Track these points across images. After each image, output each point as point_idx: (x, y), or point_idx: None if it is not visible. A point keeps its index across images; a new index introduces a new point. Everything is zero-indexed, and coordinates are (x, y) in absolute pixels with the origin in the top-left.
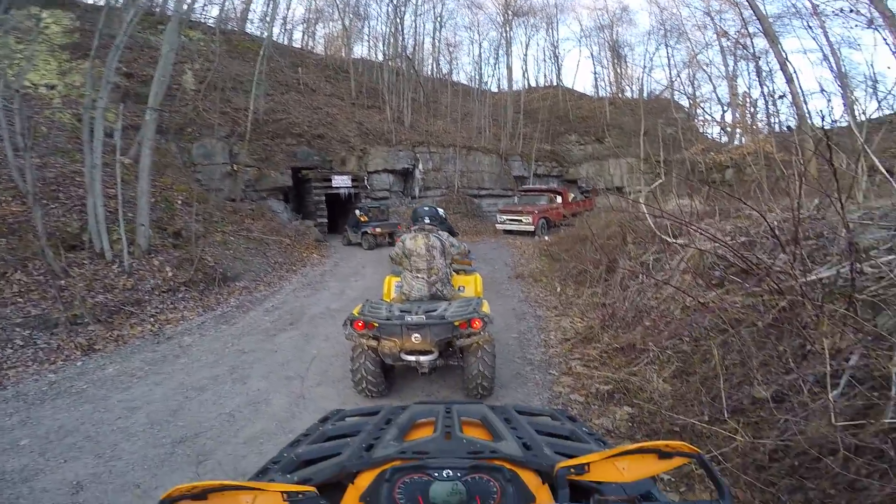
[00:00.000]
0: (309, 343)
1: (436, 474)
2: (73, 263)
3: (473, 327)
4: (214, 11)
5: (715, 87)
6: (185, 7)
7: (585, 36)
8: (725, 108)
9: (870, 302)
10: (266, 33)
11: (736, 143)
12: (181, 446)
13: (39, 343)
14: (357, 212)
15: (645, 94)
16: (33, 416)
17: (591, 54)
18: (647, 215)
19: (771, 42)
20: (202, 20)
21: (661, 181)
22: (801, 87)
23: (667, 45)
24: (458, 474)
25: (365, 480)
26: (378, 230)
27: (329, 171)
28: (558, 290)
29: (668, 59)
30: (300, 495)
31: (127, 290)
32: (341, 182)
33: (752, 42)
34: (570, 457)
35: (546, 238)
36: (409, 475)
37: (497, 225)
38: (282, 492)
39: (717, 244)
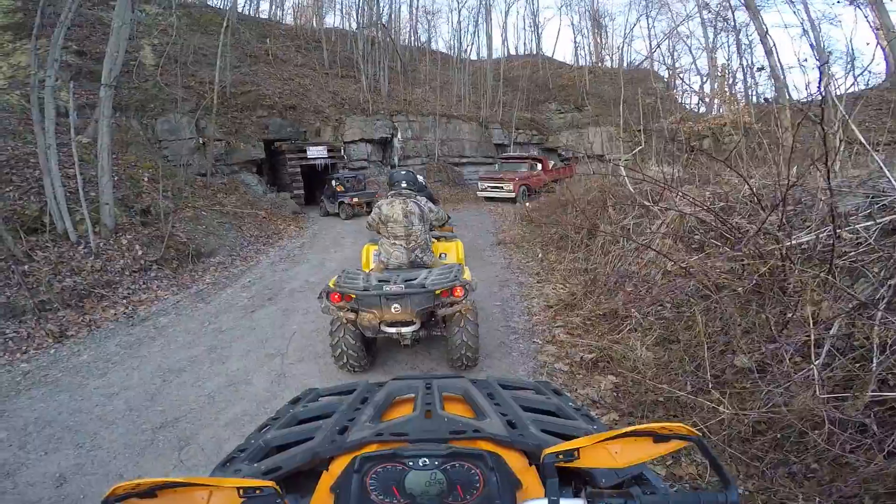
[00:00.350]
0: (288, 318)
1: (410, 463)
2: (35, 247)
3: (455, 295)
4: None
5: (694, 59)
6: None
7: (566, 4)
8: (704, 79)
9: (848, 268)
10: (229, 4)
11: (714, 113)
12: (162, 432)
13: (8, 332)
14: (333, 182)
15: (625, 65)
16: (9, 408)
17: (572, 23)
18: (626, 180)
19: (752, 15)
20: None
21: (640, 147)
22: (780, 61)
23: (647, 16)
24: (436, 462)
25: (339, 467)
26: (355, 200)
27: (304, 142)
28: (540, 256)
29: (649, 30)
30: (257, 491)
31: (96, 271)
32: (317, 153)
33: (733, 15)
34: (557, 435)
35: (527, 204)
36: (383, 464)
37: (478, 192)
38: (238, 487)
39: (697, 208)
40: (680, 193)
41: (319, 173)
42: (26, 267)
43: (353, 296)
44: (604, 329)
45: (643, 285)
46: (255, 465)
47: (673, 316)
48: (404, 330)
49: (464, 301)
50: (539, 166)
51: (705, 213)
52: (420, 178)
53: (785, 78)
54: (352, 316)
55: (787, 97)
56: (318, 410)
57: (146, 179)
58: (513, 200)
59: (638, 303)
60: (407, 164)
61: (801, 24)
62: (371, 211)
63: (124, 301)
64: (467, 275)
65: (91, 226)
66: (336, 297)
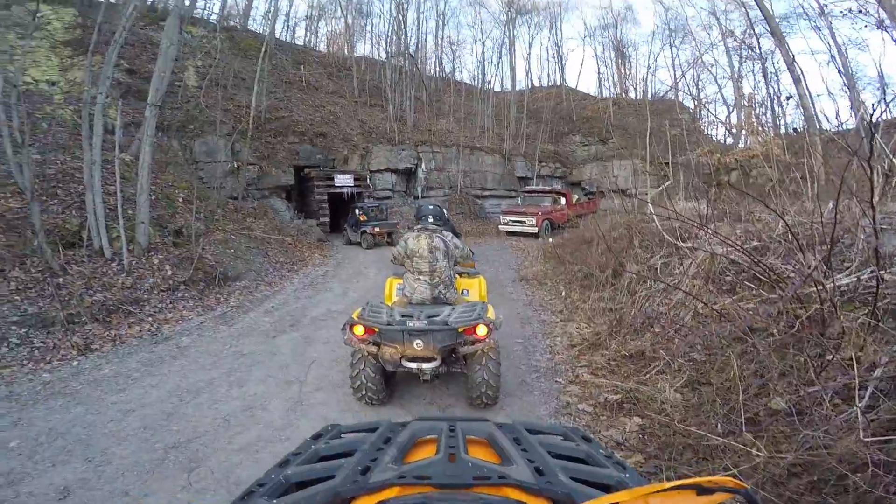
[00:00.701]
0: (309, 346)
1: None
2: (71, 261)
3: (478, 334)
4: (217, 8)
5: (720, 88)
6: (186, 3)
7: (589, 35)
8: (731, 109)
9: (892, 310)
10: (268, 31)
11: (741, 145)
12: (174, 452)
13: (35, 342)
14: (357, 211)
15: (649, 95)
16: (25, 417)
17: (595, 54)
18: (654, 218)
19: (778, 42)
20: (204, 17)
21: (669, 182)
22: (808, 89)
23: (671, 46)
24: None
25: None
26: (377, 230)
27: (331, 169)
28: (563, 293)
29: (673, 60)
30: None
31: (126, 288)
32: (344, 181)
33: (758, 42)
34: (588, 483)
35: (550, 240)
36: None
37: (500, 226)
38: None
39: (729, 248)
40: (710, 232)
41: (345, 202)
42: (61, 280)
43: (377, 329)
44: (630, 370)
45: (672, 326)
46: (275, 501)
47: (704, 358)
48: (425, 366)
49: (487, 340)
50: (563, 200)
51: (738, 253)
52: (444, 210)
53: (814, 106)
54: (374, 349)
55: (818, 127)
56: (341, 448)
57: (181, 200)
58: (535, 235)
59: (666, 344)
60: (430, 196)
61: (829, 49)
62: (392, 241)
63: (150, 319)
64: (491, 313)
65: (126, 243)
66: (359, 329)
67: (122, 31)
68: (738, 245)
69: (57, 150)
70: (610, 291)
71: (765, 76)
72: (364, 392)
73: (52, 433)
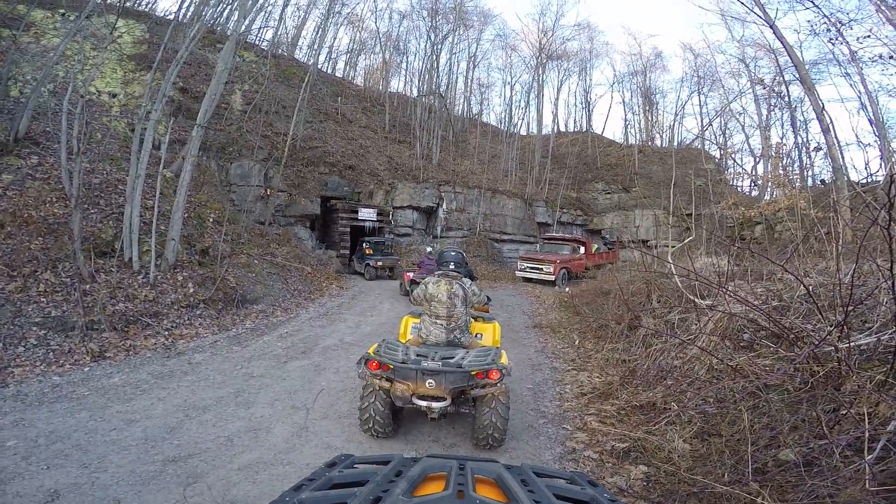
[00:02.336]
0: (319, 374)
1: None
2: (101, 269)
3: (490, 378)
4: (269, 34)
5: (747, 137)
6: (242, 28)
7: (618, 81)
8: (757, 159)
9: None
10: (312, 61)
11: (767, 197)
12: (172, 465)
13: (52, 344)
14: (364, 244)
15: (675, 143)
16: (28, 417)
17: (623, 100)
18: (675, 274)
19: (807, 90)
20: (256, 42)
21: (691, 238)
22: (837, 138)
23: (699, 93)
24: None
25: None
26: (380, 263)
27: (356, 202)
28: (577, 342)
29: (700, 108)
30: None
31: (148, 301)
32: (367, 215)
33: (787, 90)
34: None
35: (567, 290)
36: None
37: (517, 272)
38: None
39: (747, 308)
40: (730, 294)
41: (366, 235)
42: (88, 286)
43: (391, 366)
44: (639, 420)
45: (685, 380)
46: None
47: (715, 411)
48: (434, 405)
49: (498, 384)
50: (582, 249)
51: (756, 312)
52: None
53: (843, 157)
54: (386, 385)
55: (846, 179)
56: (354, 477)
57: (211, 220)
58: (552, 283)
59: (678, 396)
60: (448, 236)
61: (858, 97)
62: (392, 275)
63: (166, 333)
64: (504, 359)
65: (154, 258)
66: (374, 365)
67: (185, 51)
68: (756, 305)
69: (106, 161)
70: (625, 343)
71: (793, 125)
72: (371, 424)
73: (52, 436)
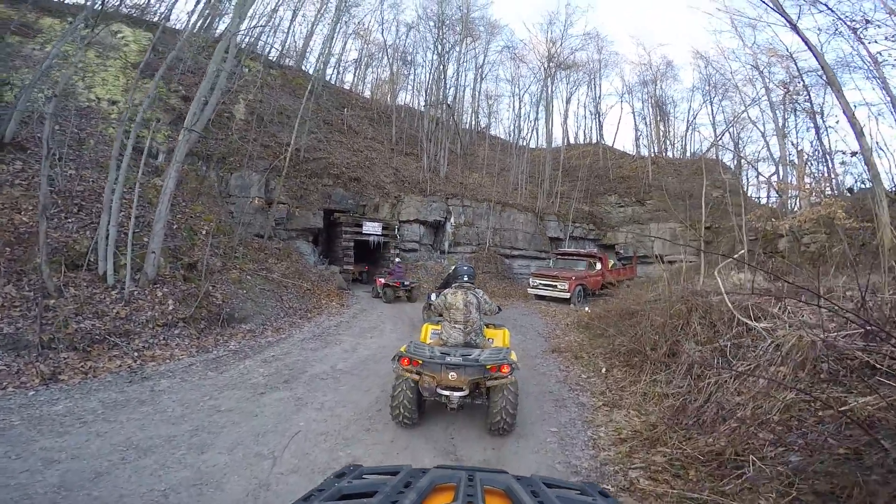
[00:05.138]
0: (299, 411)
1: None
2: (70, 283)
3: (503, 371)
4: (275, 43)
5: (767, 144)
6: (242, 28)
7: (628, 92)
8: (777, 166)
9: None
10: (315, 70)
11: (794, 207)
12: None
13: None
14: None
15: (688, 154)
16: None
17: (633, 110)
18: (723, 292)
19: (836, 91)
20: (264, 53)
21: (743, 251)
22: (873, 142)
23: (710, 102)
24: None
25: None
26: (356, 269)
27: (361, 216)
28: (603, 371)
29: (713, 117)
30: None
31: (119, 319)
32: (372, 229)
33: (808, 94)
34: None
35: (586, 309)
36: None
37: (529, 289)
38: None
39: (824, 332)
40: (791, 309)
41: (371, 250)
42: (52, 301)
43: (420, 361)
44: (701, 474)
45: (752, 421)
46: None
47: (803, 461)
48: (454, 395)
49: (508, 377)
50: (598, 265)
51: (840, 338)
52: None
53: (880, 162)
54: (416, 377)
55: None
56: (363, 488)
57: (204, 233)
58: (567, 301)
59: (747, 441)
60: (457, 252)
61: (884, 101)
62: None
63: (136, 354)
64: (513, 356)
65: (131, 272)
66: (406, 361)
67: (175, 53)
68: (859, 320)
69: (93, 167)
70: (666, 374)
71: (817, 131)
72: (401, 410)
73: None
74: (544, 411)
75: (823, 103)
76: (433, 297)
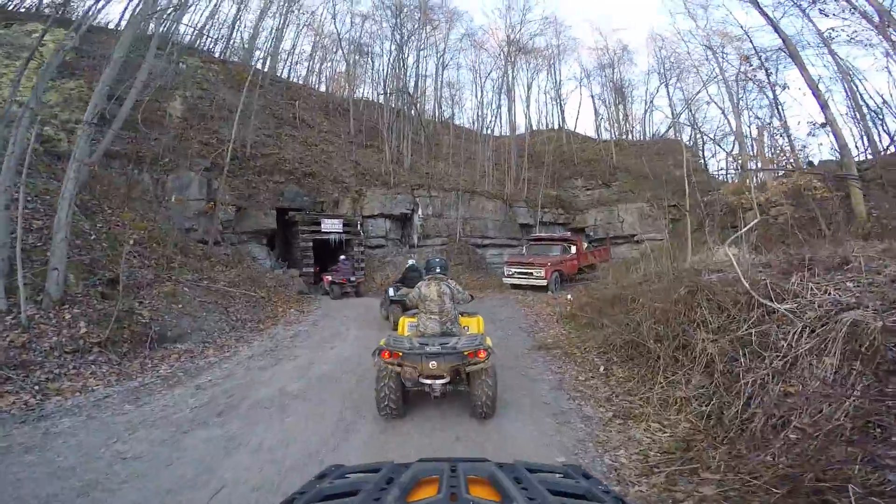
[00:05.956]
0: (228, 456)
1: None
2: None
3: (479, 356)
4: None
5: (728, 120)
6: (167, 23)
7: (586, 76)
8: (733, 143)
9: None
10: (257, 60)
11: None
12: None
13: None
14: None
15: (649, 135)
16: None
17: (592, 94)
18: (738, 272)
19: (799, 66)
20: (206, 49)
21: (758, 220)
22: (837, 113)
23: (666, 85)
24: None
25: None
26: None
27: (319, 213)
28: (602, 370)
29: (669, 99)
30: None
31: (14, 347)
32: (331, 226)
33: (765, 69)
34: None
35: (568, 297)
36: None
37: (504, 279)
38: None
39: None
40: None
41: (332, 250)
42: None
43: (401, 353)
44: None
45: (814, 430)
46: None
47: None
48: (436, 383)
49: (486, 361)
50: (573, 249)
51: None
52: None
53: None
54: (397, 369)
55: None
56: (344, 487)
57: (131, 243)
58: (544, 289)
59: (818, 459)
60: (426, 245)
61: (835, 78)
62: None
63: (36, 388)
64: (489, 341)
65: (25, 294)
66: (386, 354)
67: (70, 43)
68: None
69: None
70: (681, 373)
71: (777, 105)
72: (386, 403)
73: None
74: (543, 432)
75: (776, 80)
76: (391, 291)
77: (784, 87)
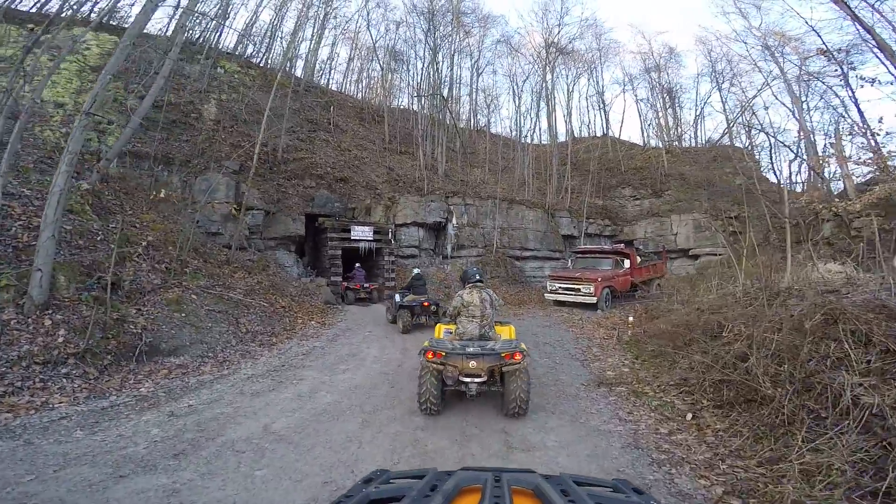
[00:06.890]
0: None
1: None
2: None
3: (516, 359)
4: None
5: (798, 120)
6: (184, 23)
7: (630, 81)
8: (798, 146)
9: None
10: (283, 61)
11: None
12: None
13: None
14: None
15: (702, 142)
16: None
17: (636, 99)
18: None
19: (889, 56)
20: (240, 54)
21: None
22: None
23: (719, 89)
24: None
25: None
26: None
27: (349, 220)
28: (689, 417)
29: (723, 103)
30: None
31: None
32: (361, 234)
33: (843, 68)
34: None
35: (630, 318)
36: None
37: (546, 294)
38: None
39: None
40: None
41: (363, 259)
42: None
43: (444, 353)
44: None
45: None
46: None
47: None
48: (473, 381)
49: (521, 363)
50: (626, 263)
51: None
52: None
53: None
54: (440, 367)
55: None
56: (390, 493)
57: (144, 245)
58: (594, 307)
59: None
60: (461, 256)
61: None
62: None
63: None
64: (524, 346)
65: (6, 296)
66: (430, 353)
67: (121, 53)
68: None
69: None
70: (831, 435)
71: (856, 106)
72: (426, 398)
73: None
74: None
75: (849, 76)
76: (397, 297)
77: (873, 81)
